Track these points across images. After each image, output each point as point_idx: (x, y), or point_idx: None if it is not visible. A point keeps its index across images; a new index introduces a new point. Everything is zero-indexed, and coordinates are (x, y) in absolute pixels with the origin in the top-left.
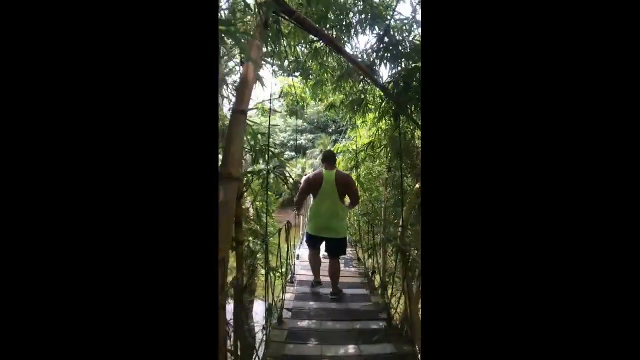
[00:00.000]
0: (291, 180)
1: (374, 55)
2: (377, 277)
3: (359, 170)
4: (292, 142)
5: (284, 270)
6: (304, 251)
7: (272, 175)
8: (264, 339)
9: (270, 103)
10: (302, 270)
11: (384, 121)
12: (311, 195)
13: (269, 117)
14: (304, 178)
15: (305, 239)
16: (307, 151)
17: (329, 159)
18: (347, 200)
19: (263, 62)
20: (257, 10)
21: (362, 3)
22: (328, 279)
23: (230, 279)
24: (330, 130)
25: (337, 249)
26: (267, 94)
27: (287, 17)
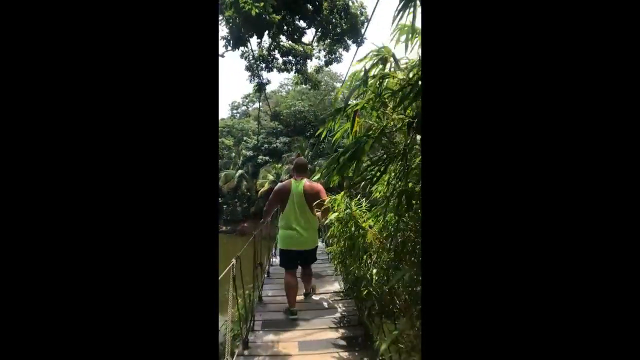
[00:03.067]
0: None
1: None
2: None
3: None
4: (266, 146)
5: None
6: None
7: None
8: None
9: None
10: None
11: None
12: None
13: None
14: (275, 187)
15: (278, 258)
16: (283, 155)
17: (298, 168)
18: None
19: None
20: None
21: None
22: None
23: None
24: (308, 134)
25: (309, 258)
26: None
27: None
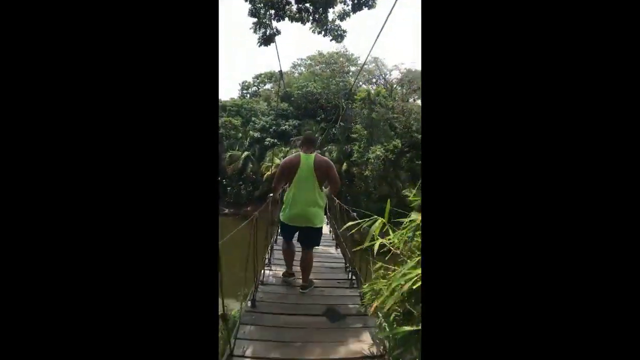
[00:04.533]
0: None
1: None
2: None
3: None
4: (274, 128)
5: None
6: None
7: None
8: None
9: None
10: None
11: None
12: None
13: None
14: (283, 161)
15: (279, 229)
16: (291, 138)
17: (308, 141)
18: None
19: None
20: None
21: None
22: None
23: None
24: (319, 118)
25: (311, 239)
26: None
27: None
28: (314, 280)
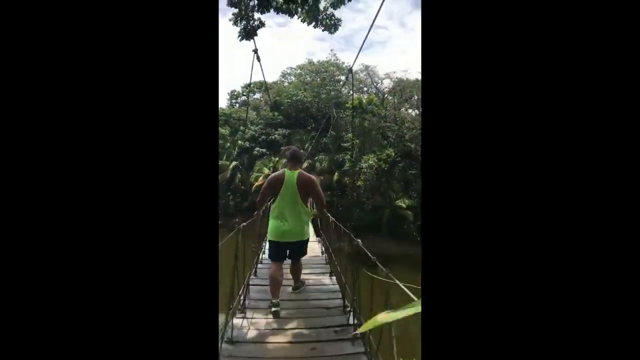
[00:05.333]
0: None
1: None
2: None
3: None
4: (263, 137)
5: None
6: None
7: None
8: None
9: None
10: None
11: None
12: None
13: None
14: (269, 177)
15: (267, 250)
16: (281, 148)
17: (293, 157)
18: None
19: None
20: None
21: None
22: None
23: None
24: (309, 128)
25: (299, 252)
26: None
27: None
28: (304, 281)
